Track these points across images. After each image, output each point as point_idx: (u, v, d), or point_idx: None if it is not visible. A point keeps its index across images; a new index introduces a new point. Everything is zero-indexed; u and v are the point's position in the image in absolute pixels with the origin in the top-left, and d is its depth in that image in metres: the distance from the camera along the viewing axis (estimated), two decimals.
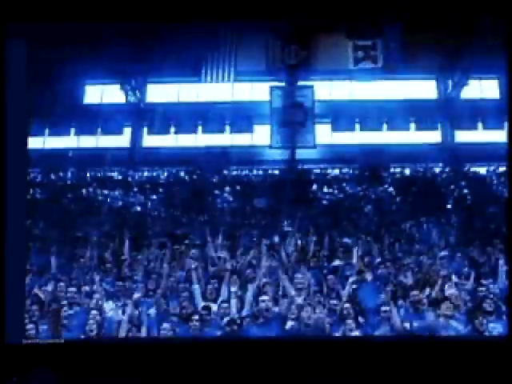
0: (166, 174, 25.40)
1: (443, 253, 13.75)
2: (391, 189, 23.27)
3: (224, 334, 9.35)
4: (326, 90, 28.03)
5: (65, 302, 10.69)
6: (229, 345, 8.18)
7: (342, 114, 27.62)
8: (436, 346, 7.73)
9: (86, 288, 11.43)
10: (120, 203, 22.48)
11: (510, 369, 6.97)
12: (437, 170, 25.46)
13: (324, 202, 22.28)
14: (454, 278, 11.42)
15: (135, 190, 23.57)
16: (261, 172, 25.85)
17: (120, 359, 7.35)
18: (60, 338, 9.06)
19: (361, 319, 9.89)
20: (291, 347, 7.77)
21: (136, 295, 10.62)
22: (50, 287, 11.66)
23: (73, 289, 11.29)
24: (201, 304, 10.58)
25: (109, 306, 10.86)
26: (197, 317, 9.90)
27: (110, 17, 10.20)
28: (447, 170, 25.28)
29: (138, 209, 22.01)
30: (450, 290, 10.47)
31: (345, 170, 25.47)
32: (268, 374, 7.33)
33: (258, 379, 7.34)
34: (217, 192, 23.16)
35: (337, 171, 25.64)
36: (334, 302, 10.43)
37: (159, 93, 28.64)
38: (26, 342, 8.12)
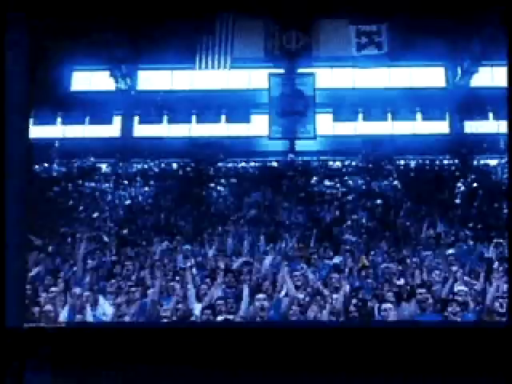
0: (158, 165, 25.34)
1: (451, 250, 13.74)
2: (396, 182, 23.25)
3: None
4: (327, 77, 27.87)
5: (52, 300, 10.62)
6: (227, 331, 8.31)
7: (345, 104, 27.40)
8: (437, 333, 7.88)
9: (74, 286, 11.33)
10: (109, 197, 22.47)
11: (509, 357, 7.16)
12: (445, 162, 25.37)
13: (325, 196, 22.25)
14: (463, 277, 11.38)
15: (125, 182, 23.55)
16: (258, 164, 25.74)
17: (121, 344, 7.53)
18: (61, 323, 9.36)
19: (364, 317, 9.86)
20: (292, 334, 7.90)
21: (127, 294, 10.59)
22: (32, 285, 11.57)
23: (55, 289, 11.18)
24: (194, 304, 10.53)
25: (98, 305, 10.79)
26: (192, 317, 9.88)
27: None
28: (456, 162, 25.21)
29: (128, 203, 22.00)
30: (458, 290, 10.43)
31: (347, 163, 25.36)
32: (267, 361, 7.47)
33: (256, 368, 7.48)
34: (212, 185, 23.16)
35: (338, 164, 25.50)
36: (335, 299, 10.38)
37: (151, 80, 28.47)
38: (28, 325, 8.33)
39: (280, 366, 7.39)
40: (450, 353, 7.35)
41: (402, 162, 25.16)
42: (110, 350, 7.53)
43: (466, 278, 11.45)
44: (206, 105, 27.85)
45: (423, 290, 9.97)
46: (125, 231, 18.00)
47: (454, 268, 11.63)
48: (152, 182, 23.62)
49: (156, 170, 25.06)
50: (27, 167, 9.08)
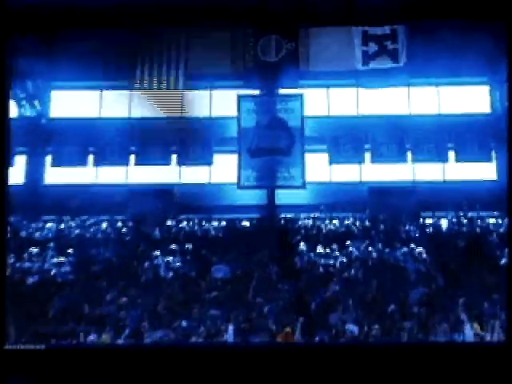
0: (80, 225, 25.06)
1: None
2: (420, 250, 23.01)
3: None
4: (321, 101, 27.81)
5: None
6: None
7: (346, 138, 27.24)
8: (436, 351, 9.14)
9: None
10: (8, 271, 22.26)
11: (509, 375, 8.37)
12: (490, 221, 24.93)
13: (317, 268, 22.08)
14: None
15: (32, 250, 23.26)
16: (224, 224, 25.49)
17: (102, 365, 8.24)
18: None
19: None
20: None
21: None
22: None
23: None
24: None
25: None
26: None
27: None
28: (506, 222, 24.98)
29: (35, 279, 21.73)
30: None
31: (348, 222, 25.04)
32: None
33: None
34: (157, 253, 22.95)
35: (336, 223, 25.09)
36: None
37: (70, 103, 28.06)
38: (8, 347, 9.68)
39: None
40: (451, 371, 8.74)
41: (429, 222, 25.01)
42: (89, 371, 9.12)
43: None
44: (150, 139, 27.47)
45: None
46: (30, 319, 17.81)
47: None
48: (71, 250, 23.27)
49: (77, 231, 24.75)
50: None
